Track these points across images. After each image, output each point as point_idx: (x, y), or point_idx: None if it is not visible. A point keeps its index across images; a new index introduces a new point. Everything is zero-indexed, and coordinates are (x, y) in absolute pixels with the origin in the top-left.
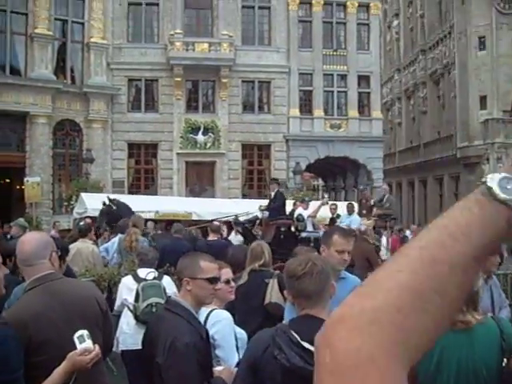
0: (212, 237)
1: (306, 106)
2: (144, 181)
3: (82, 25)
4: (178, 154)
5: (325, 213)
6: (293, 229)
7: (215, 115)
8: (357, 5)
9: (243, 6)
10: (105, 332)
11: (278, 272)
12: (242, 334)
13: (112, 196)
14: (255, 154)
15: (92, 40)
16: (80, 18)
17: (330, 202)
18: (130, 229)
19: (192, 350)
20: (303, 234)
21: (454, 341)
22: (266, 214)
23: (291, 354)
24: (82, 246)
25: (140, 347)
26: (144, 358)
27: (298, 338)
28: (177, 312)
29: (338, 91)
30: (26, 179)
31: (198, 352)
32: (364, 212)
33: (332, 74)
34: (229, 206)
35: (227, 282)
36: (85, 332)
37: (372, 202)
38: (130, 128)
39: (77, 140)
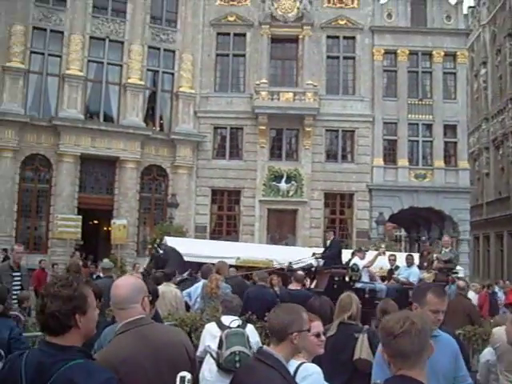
0: (295, 286)
1: (390, 155)
2: (226, 226)
3: (171, 75)
4: (260, 201)
5: (384, 263)
6: (347, 278)
7: (298, 163)
8: (443, 54)
9: (328, 57)
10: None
11: (367, 327)
12: None
13: (169, 239)
14: (337, 203)
15: (181, 89)
16: (170, 69)
17: (389, 253)
18: (212, 275)
19: None
20: (358, 285)
21: None
22: (321, 261)
23: None
24: (165, 290)
25: None
26: None
27: None
28: (270, 364)
29: (423, 141)
30: (113, 221)
31: None
32: (425, 265)
33: (417, 124)
34: (310, 254)
35: (317, 335)
36: (188, 375)
37: (434, 256)
38: (214, 174)
39: (163, 185)
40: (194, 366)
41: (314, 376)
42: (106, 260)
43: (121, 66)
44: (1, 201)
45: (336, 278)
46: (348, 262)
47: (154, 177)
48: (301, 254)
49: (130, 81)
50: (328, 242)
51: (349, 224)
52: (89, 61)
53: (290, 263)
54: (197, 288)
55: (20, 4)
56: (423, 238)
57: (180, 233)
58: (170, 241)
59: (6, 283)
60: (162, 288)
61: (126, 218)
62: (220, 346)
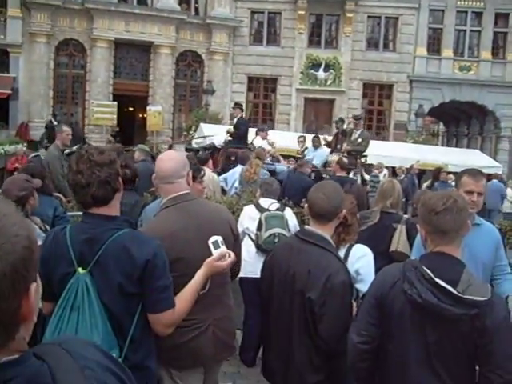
0: (340, 173)
1: (434, 45)
2: (262, 115)
3: None
4: (297, 89)
5: (293, 145)
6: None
7: (338, 51)
8: None
9: None
10: (234, 254)
11: (406, 217)
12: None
13: (204, 126)
14: (376, 94)
15: None
16: None
17: (299, 134)
18: (252, 160)
19: (348, 288)
20: None
21: None
22: (220, 140)
23: (423, 289)
24: (207, 174)
25: (258, 276)
26: (276, 288)
27: (431, 274)
28: (324, 246)
29: (471, 30)
30: (148, 108)
31: (352, 291)
32: (339, 147)
33: (466, 11)
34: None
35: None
36: (219, 238)
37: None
38: (251, 61)
39: (198, 71)
40: (238, 241)
41: (368, 257)
42: (141, 145)
43: None
44: (37, 87)
45: (232, 158)
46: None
47: (190, 63)
48: None
49: None
50: (235, 120)
51: (387, 116)
52: None
53: (190, 140)
54: (234, 173)
55: None
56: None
57: (216, 120)
58: (205, 128)
59: (54, 170)
60: None
61: (161, 105)
62: (259, 228)
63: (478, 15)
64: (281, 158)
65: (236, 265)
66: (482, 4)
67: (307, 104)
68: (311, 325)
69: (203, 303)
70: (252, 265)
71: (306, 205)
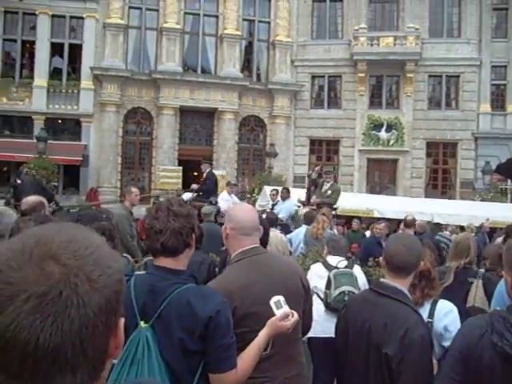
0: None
1: (497, 101)
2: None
3: (268, 24)
4: (359, 150)
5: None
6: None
7: (399, 111)
8: None
9: None
10: (305, 311)
11: (483, 271)
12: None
13: (267, 189)
14: (440, 153)
15: (277, 38)
16: (266, 18)
17: (271, 188)
18: (319, 216)
19: (427, 343)
20: (221, 220)
21: None
22: (189, 196)
23: None
24: (271, 235)
25: (328, 335)
26: (350, 343)
27: None
28: (399, 299)
29: None
30: None
31: (430, 345)
32: (303, 200)
33: None
34: (412, 204)
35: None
36: (281, 298)
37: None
38: (313, 124)
39: (260, 135)
40: (309, 295)
41: (455, 312)
42: (207, 206)
43: (217, 16)
44: (106, 154)
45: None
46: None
47: (252, 127)
48: (401, 204)
49: (226, 31)
50: (204, 174)
51: (452, 174)
52: (185, 13)
53: (158, 197)
54: (298, 233)
55: None
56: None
57: (279, 182)
58: (269, 190)
59: (123, 230)
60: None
61: (224, 169)
62: (328, 286)
63: None
64: None
65: (308, 319)
66: None
67: (370, 165)
68: (388, 382)
69: (274, 360)
70: (321, 324)
71: (381, 258)
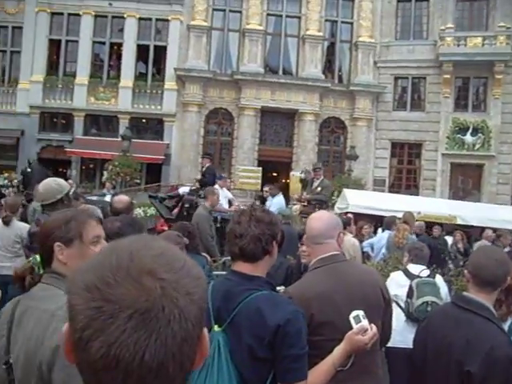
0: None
1: None
2: (405, 181)
3: (350, 24)
4: (443, 154)
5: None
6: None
7: (486, 114)
8: None
9: None
10: (384, 322)
11: None
12: None
13: (347, 191)
14: None
15: (360, 39)
16: (349, 19)
17: (268, 187)
18: (400, 225)
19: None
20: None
21: None
22: (186, 189)
23: None
24: (344, 239)
25: (408, 346)
26: (430, 359)
27: None
28: (484, 315)
29: None
30: (291, 173)
31: None
32: (295, 196)
33: None
34: (498, 212)
35: None
36: (360, 312)
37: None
38: (395, 127)
39: (341, 137)
40: (389, 306)
41: None
42: (285, 209)
43: (299, 17)
44: (187, 153)
45: (186, 205)
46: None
47: (333, 129)
48: (486, 211)
49: (308, 33)
50: (204, 168)
51: None
52: (268, 14)
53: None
54: (381, 239)
55: None
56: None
57: (358, 185)
58: (349, 193)
59: (203, 230)
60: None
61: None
62: (410, 295)
63: None
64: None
65: (387, 331)
66: None
67: (454, 169)
68: None
69: (350, 372)
70: (401, 334)
71: (465, 270)
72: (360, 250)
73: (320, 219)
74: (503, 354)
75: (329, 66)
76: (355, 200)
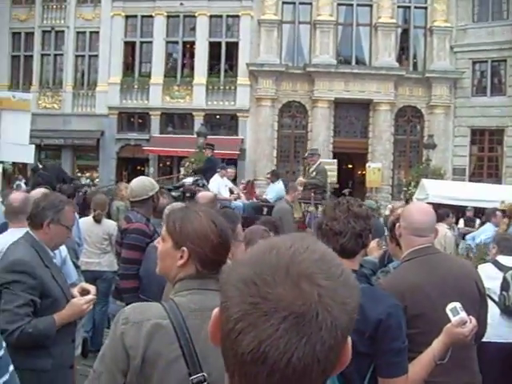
0: None
1: None
2: (487, 169)
3: (424, 9)
4: None
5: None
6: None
7: None
8: None
9: None
10: (480, 317)
11: None
12: None
13: (426, 182)
14: None
15: (435, 24)
16: (423, 3)
17: (268, 174)
18: (499, 219)
19: None
20: None
21: None
22: (190, 180)
23: None
24: (440, 230)
25: (505, 340)
26: None
27: None
28: None
29: None
30: (367, 165)
31: None
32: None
33: None
34: None
35: None
36: (457, 304)
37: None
38: (474, 113)
39: (418, 126)
40: (485, 300)
41: None
42: (369, 201)
43: (371, 5)
44: (262, 147)
45: (187, 195)
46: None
47: (409, 118)
48: None
49: (380, 20)
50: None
51: None
52: (338, 4)
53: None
54: (483, 231)
55: None
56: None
57: (437, 175)
58: (428, 183)
59: (287, 223)
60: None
61: (380, 161)
62: (506, 288)
63: None
64: (241, 194)
65: (482, 326)
66: None
67: None
68: None
69: (445, 366)
70: (496, 328)
71: None
72: (453, 241)
73: (424, 212)
74: None
75: (403, 54)
76: (435, 190)
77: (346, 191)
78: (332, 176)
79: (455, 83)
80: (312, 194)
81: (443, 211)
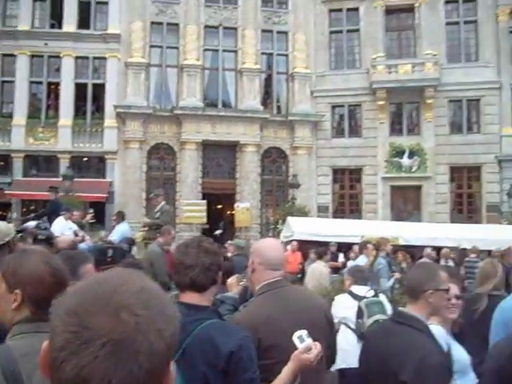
0: None
1: None
2: (349, 205)
3: (286, 56)
4: (382, 178)
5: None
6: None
7: (421, 137)
8: None
9: (447, 23)
10: (329, 344)
11: None
12: (462, 355)
13: (291, 220)
14: (464, 177)
15: (296, 70)
16: (284, 51)
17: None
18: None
19: (443, 371)
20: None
21: None
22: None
23: None
24: (314, 266)
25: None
26: (372, 373)
27: None
28: (416, 326)
29: None
30: (236, 205)
31: (447, 374)
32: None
33: None
34: (437, 231)
35: (449, 299)
36: (303, 332)
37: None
38: (334, 154)
39: (283, 166)
40: (333, 329)
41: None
42: (237, 240)
43: (235, 51)
44: (130, 190)
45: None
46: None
47: (274, 159)
48: (427, 231)
49: (245, 66)
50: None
51: (477, 198)
52: (205, 49)
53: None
54: (358, 262)
55: (138, 1)
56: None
57: (303, 213)
58: (293, 221)
59: (157, 267)
60: (314, 265)
61: (248, 201)
62: (360, 316)
63: None
64: (87, 237)
65: (333, 352)
66: None
67: (394, 192)
68: None
69: None
70: (355, 354)
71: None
72: (328, 277)
73: (276, 247)
74: (434, 363)
75: (267, 98)
76: (300, 227)
77: (217, 233)
78: (201, 217)
79: (316, 125)
80: (157, 235)
81: (321, 250)
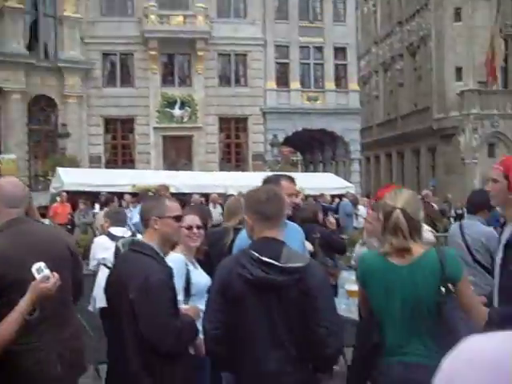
0: None
1: (282, 78)
2: (121, 156)
3: None
4: (154, 128)
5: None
6: None
7: (191, 89)
8: None
9: None
10: (75, 275)
11: None
12: (201, 279)
13: (61, 170)
14: (232, 128)
15: (65, 13)
16: None
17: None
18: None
19: (165, 286)
20: None
21: (396, 277)
22: None
23: (253, 268)
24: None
25: None
26: (112, 298)
27: (257, 255)
28: (145, 252)
29: (315, 63)
30: (1, 156)
31: (169, 289)
32: None
33: (308, 47)
34: (206, 178)
35: (189, 227)
36: (42, 264)
37: None
38: (106, 103)
39: (52, 116)
40: (78, 262)
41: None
42: None
43: None
44: None
45: None
46: None
47: (43, 107)
48: (197, 179)
49: (7, 4)
50: None
51: (244, 148)
52: None
53: None
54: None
55: None
56: None
57: (73, 164)
58: (63, 172)
59: None
60: None
61: (14, 152)
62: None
63: (320, 49)
64: None
65: (79, 284)
66: (322, 39)
67: (166, 142)
68: (136, 326)
69: (48, 323)
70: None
71: None
72: None
73: (15, 184)
74: (155, 279)
75: (35, 42)
76: (70, 178)
77: None
78: None
79: (87, 74)
80: None
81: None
